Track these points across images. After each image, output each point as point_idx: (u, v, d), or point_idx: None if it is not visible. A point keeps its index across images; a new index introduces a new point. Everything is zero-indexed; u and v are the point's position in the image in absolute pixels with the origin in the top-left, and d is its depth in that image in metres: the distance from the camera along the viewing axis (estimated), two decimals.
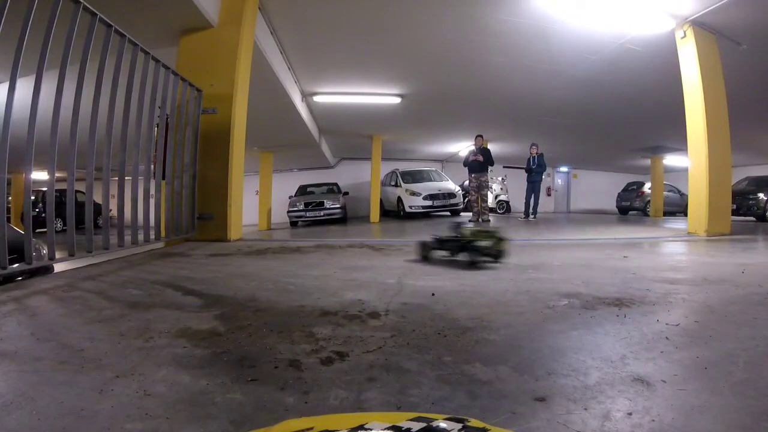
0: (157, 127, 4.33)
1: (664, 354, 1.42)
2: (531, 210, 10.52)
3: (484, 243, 3.14)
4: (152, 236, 4.22)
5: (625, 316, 1.83)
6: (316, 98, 9.64)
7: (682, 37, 6.47)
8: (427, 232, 7.26)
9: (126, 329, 1.71)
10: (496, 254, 3.15)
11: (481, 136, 9.99)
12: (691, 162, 6.48)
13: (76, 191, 3.14)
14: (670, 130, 12.33)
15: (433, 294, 2.10)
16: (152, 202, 4.26)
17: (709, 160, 6.14)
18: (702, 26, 6.38)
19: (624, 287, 2.42)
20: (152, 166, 4.54)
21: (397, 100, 9.72)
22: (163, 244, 4.56)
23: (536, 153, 10.46)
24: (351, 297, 2.05)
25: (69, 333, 1.71)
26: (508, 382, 1.16)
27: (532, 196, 10.51)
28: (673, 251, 4.68)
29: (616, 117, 11.30)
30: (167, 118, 4.44)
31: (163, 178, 4.51)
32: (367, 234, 7.62)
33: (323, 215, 12.67)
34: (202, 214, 4.69)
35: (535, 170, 10.42)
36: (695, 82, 6.30)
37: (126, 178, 3.68)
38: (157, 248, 4.30)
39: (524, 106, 10.45)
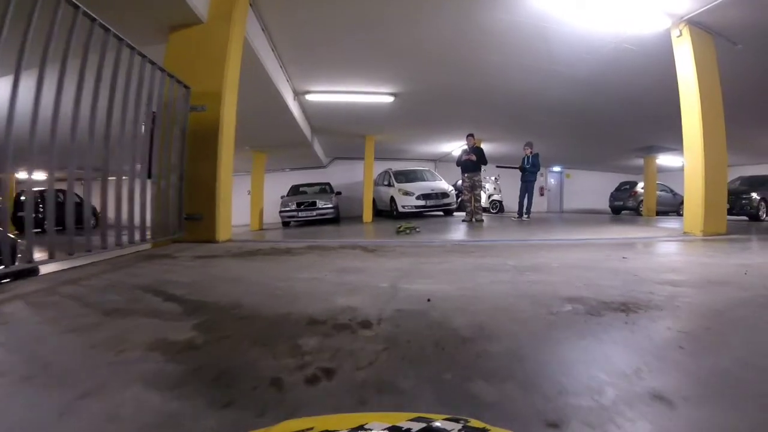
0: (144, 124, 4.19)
1: (680, 366, 1.31)
2: (524, 210, 10.42)
3: None
4: (139, 237, 4.07)
5: (633, 323, 1.72)
6: (309, 97, 9.48)
7: (678, 36, 6.41)
8: (421, 232, 7.17)
9: (99, 340, 1.58)
10: None
11: (472, 135, 9.89)
12: (687, 161, 6.41)
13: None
14: (664, 129, 12.30)
15: (428, 300, 1.97)
16: (140, 202, 4.13)
17: (705, 159, 6.08)
18: (698, 25, 6.32)
19: (627, 290, 2.30)
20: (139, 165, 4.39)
21: (390, 99, 9.59)
22: (150, 245, 4.41)
23: (530, 153, 10.35)
24: (341, 303, 1.92)
25: (39, 344, 1.58)
26: (515, 403, 1.03)
27: (526, 195, 10.42)
28: (671, 251, 4.59)
29: (611, 117, 11.26)
30: (154, 115, 4.30)
31: (149, 177, 4.37)
32: (360, 234, 7.49)
33: (316, 215, 12.50)
34: (190, 215, 4.54)
35: (529, 170, 10.32)
36: (691, 81, 6.23)
37: (112, 178, 3.55)
38: (144, 250, 4.15)
39: (519, 106, 10.37)
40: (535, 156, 10.33)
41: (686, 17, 6.21)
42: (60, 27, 2.89)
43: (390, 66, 8.24)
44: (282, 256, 3.63)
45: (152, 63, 4.12)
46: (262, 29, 6.64)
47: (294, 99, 9.40)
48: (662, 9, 6.12)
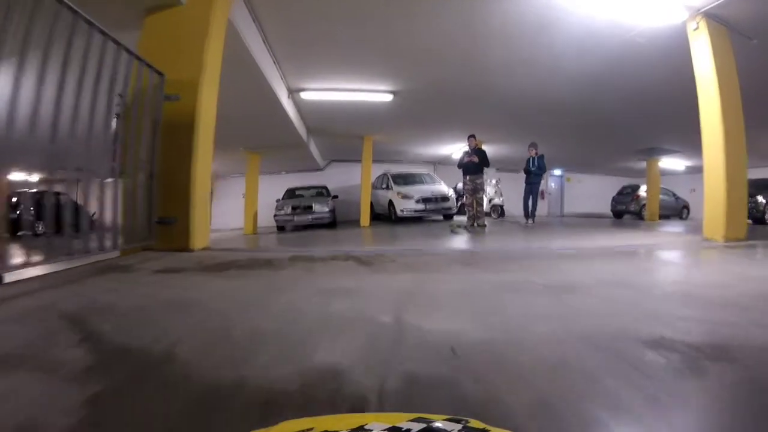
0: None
1: None
2: (529, 213, 9.80)
3: None
4: (98, 245, 3.46)
5: (759, 383, 1.11)
6: (304, 95, 8.83)
7: (695, 29, 5.87)
8: (421, 238, 6.55)
9: None
10: None
11: (473, 136, 9.24)
12: (707, 161, 5.84)
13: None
14: (668, 130, 11.78)
15: (453, 351, 1.31)
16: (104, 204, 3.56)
17: (727, 159, 5.55)
18: (714, 18, 5.77)
19: (706, 322, 1.71)
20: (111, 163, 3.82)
21: (389, 97, 8.95)
22: (119, 253, 3.79)
23: (535, 154, 9.71)
24: (322, 359, 1.24)
25: None
26: None
27: (530, 198, 9.79)
28: (706, 262, 3.97)
29: (614, 117, 10.62)
30: (118, 101, 3.71)
31: (115, 176, 3.80)
32: (356, 240, 6.85)
33: (311, 219, 11.77)
34: (162, 219, 3.89)
35: (534, 172, 9.68)
36: (710, 77, 5.69)
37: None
38: (108, 259, 3.52)
39: (521, 105, 9.73)
40: (541, 157, 9.70)
41: (703, 9, 5.71)
42: None
43: (389, 62, 7.62)
44: (260, 270, 2.97)
45: (116, 43, 3.50)
46: (253, 20, 6.03)
47: (288, 97, 8.75)
48: (679, 1, 5.57)
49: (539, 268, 3.16)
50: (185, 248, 3.83)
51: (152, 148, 3.90)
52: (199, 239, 3.95)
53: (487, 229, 8.34)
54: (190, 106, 3.98)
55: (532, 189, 9.75)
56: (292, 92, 8.71)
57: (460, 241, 6.00)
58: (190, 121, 3.95)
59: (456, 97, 9.28)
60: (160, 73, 4.07)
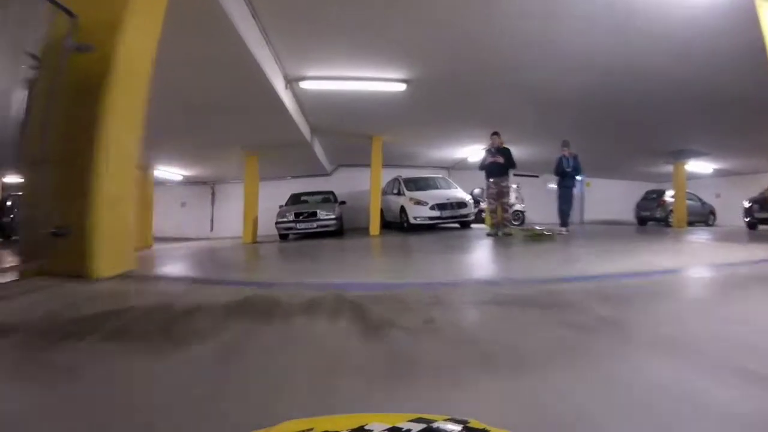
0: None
1: None
2: (563, 221, 8.21)
3: None
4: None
5: None
6: (304, 84, 7.32)
7: None
8: (446, 253, 5.00)
9: None
10: None
11: (497, 133, 7.76)
12: None
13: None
14: (702, 129, 10.19)
15: None
16: None
17: None
18: None
19: None
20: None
21: (402, 87, 7.42)
22: (18, 275, 2.37)
23: (569, 154, 8.10)
24: None
25: None
26: None
27: (565, 203, 8.22)
28: None
29: (649, 111, 8.92)
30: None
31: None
32: (362, 257, 5.29)
33: (316, 227, 10.26)
34: (56, 229, 2.41)
35: (570, 174, 8.08)
36: None
37: None
38: None
39: (548, 98, 8.10)
40: (575, 157, 8.10)
41: None
42: None
43: (402, 43, 6.10)
44: (133, 350, 1.38)
45: None
46: None
47: (286, 87, 7.27)
48: None
49: (662, 319, 1.61)
50: (82, 275, 2.31)
51: (44, 121, 2.43)
52: (110, 260, 2.43)
53: (557, 237, 6.76)
54: (103, 57, 2.50)
55: (566, 193, 8.16)
56: (290, 81, 7.24)
57: (511, 262, 4.42)
58: (99, 79, 2.45)
59: (475, 88, 7.70)
60: (70, 13, 2.61)
